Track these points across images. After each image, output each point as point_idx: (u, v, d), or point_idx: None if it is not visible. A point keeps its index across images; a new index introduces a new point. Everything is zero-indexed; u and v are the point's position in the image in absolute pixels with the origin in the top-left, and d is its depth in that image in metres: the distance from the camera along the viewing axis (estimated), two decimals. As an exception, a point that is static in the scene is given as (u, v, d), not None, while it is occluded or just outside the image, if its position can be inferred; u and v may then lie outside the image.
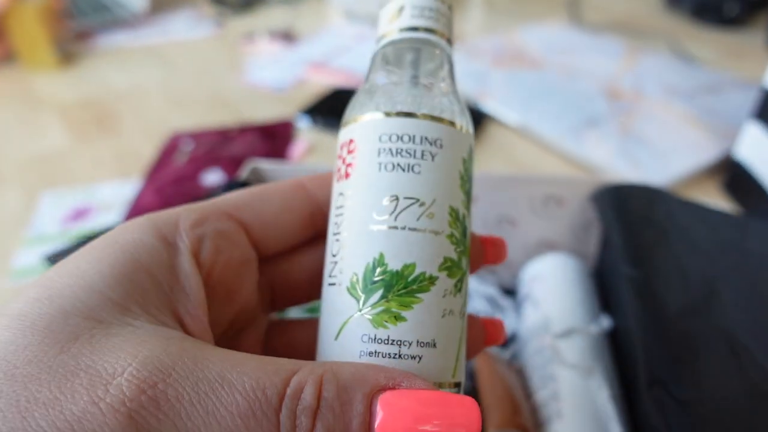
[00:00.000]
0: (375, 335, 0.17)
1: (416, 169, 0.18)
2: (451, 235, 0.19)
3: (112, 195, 0.58)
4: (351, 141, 0.19)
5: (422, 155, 0.19)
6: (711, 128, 0.60)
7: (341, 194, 0.19)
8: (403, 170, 0.18)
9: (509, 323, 0.39)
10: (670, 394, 0.22)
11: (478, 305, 0.40)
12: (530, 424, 0.29)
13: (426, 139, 0.19)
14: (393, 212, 0.18)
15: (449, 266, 0.18)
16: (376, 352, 0.17)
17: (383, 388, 0.16)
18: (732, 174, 0.53)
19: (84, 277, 0.16)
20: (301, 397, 0.15)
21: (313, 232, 0.22)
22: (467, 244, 0.20)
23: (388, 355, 0.17)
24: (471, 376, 0.32)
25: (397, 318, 0.17)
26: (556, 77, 0.73)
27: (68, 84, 0.84)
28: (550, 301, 0.35)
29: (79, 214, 0.56)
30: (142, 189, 0.58)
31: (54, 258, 0.50)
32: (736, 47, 0.83)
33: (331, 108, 0.70)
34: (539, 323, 0.34)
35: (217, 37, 1.00)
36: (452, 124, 0.20)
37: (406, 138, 0.19)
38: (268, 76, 0.82)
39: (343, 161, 0.20)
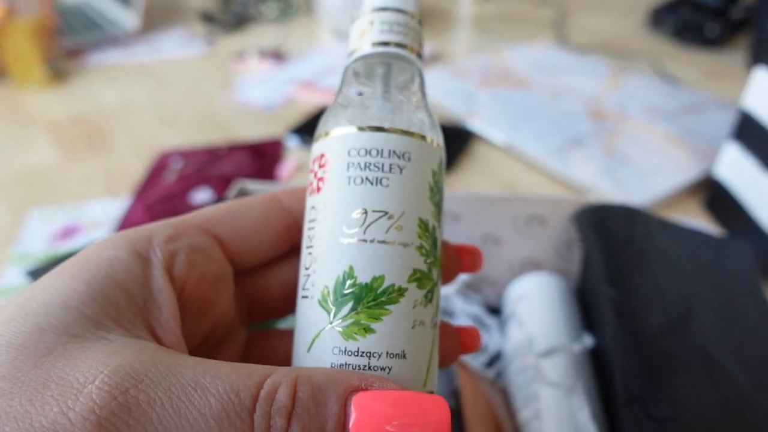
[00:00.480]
0: (345, 347, 0.18)
1: (384, 182, 0.19)
2: (420, 247, 0.19)
3: (101, 213, 0.58)
4: (322, 155, 0.20)
5: (390, 168, 0.19)
6: (692, 148, 0.61)
7: (313, 208, 0.20)
8: (372, 184, 0.19)
9: (494, 342, 0.40)
10: (647, 413, 0.23)
11: (463, 323, 0.41)
12: (513, 442, 0.29)
13: (394, 152, 0.19)
14: (362, 225, 0.18)
15: (419, 277, 0.19)
16: (346, 364, 0.18)
17: (356, 389, 0.16)
18: (712, 193, 0.54)
19: (59, 294, 0.17)
20: (276, 397, 0.15)
21: (288, 246, 0.23)
22: (438, 255, 0.20)
23: (357, 367, 0.17)
24: (455, 394, 0.32)
25: (366, 330, 0.18)
26: (542, 97, 0.74)
27: (59, 101, 0.84)
28: (534, 319, 0.35)
29: (68, 232, 0.56)
30: (130, 207, 0.58)
31: (35, 273, 0.50)
32: (717, 68, 0.85)
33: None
34: (523, 342, 0.34)
35: (207, 55, 1.01)
36: (422, 137, 0.20)
37: (374, 152, 0.19)
38: (258, 94, 0.83)
39: (315, 175, 0.20)
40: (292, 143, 0.69)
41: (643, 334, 0.27)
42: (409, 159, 0.19)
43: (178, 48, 1.04)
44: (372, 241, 0.18)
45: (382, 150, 0.19)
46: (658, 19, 0.95)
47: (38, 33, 0.85)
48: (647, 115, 0.68)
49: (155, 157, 0.67)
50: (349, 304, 0.18)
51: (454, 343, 0.22)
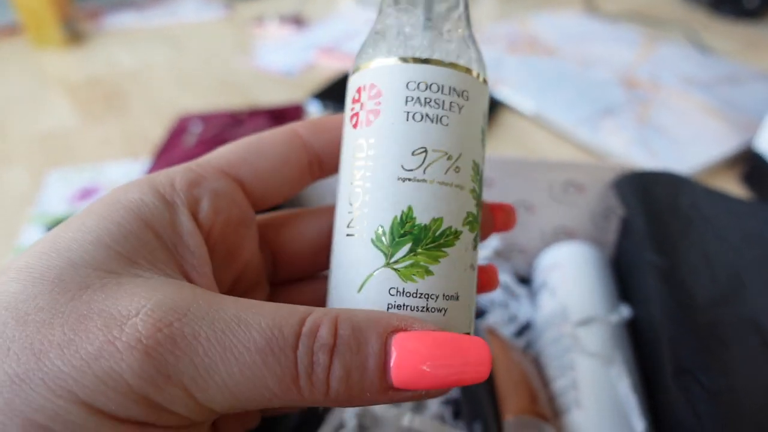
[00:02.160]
0: (403, 288, 0.17)
1: (444, 120, 0.18)
2: (473, 190, 0.18)
3: (119, 175, 0.58)
4: (372, 86, 0.18)
5: (450, 107, 0.18)
6: (730, 119, 0.59)
7: (362, 142, 0.18)
8: (432, 121, 0.18)
9: (524, 311, 0.38)
10: (699, 383, 0.22)
11: (492, 293, 0.40)
12: (548, 412, 0.28)
13: (455, 90, 0.18)
14: (422, 165, 0.18)
15: (471, 221, 0.18)
16: (404, 305, 0.17)
17: (396, 330, 0.16)
18: (751, 166, 0.52)
19: (90, 232, 0.16)
20: (318, 335, 0.15)
21: (309, 183, 0.22)
22: (482, 200, 0.20)
23: (416, 308, 0.17)
24: (486, 363, 0.31)
25: (426, 272, 0.17)
26: (572, 65, 0.72)
27: (76, 63, 0.83)
28: (569, 289, 0.34)
29: (86, 194, 0.55)
30: (150, 169, 0.58)
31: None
32: (755, 39, 0.82)
33: (341, 92, 0.69)
34: (557, 312, 0.33)
35: (226, 19, 0.99)
36: (477, 75, 0.19)
37: (435, 87, 0.18)
38: (278, 59, 0.81)
39: (362, 107, 0.19)
40: (314, 108, 0.67)
41: (692, 304, 0.25)
42: (467, 98, 0.18)
43: (196, 11, 1.02)
44: (432, 181, 0.17)
45: (443, 86, 0.18)
46: (693, -13, 0.91)
47: (55, -7, 0.83)
48: (682, 85, 0.66)
49: (174, 120, 0.66)
50: (408, 245, 0.17)
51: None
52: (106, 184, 0.56)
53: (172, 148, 0.61)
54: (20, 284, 0.15)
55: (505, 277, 0.40)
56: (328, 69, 0.78)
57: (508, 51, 0.76)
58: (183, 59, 0.84)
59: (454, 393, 0.33)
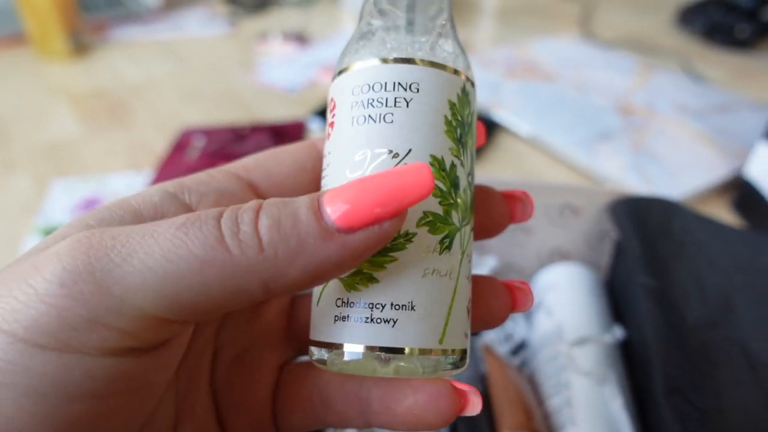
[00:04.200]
0: (347, 299, 0.17)
1: (388, 118, 0.17)
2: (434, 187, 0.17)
3: (122, 186, 0.58)
4: (331, 100, 0.19)
5: (395, 102, 0.17)
6: (721, 147, 0.60)
7: (326, 155, 0.19)
8: (375, 121, 0.17)
9: (519, 331, 0.39)
10: (689, 403, 0.23)
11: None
12: (543, 429, 0.29)
13: (399, 84, 0.17)
14: (365, 167, 0.17)
15: (430, 221, 0.17)
16: (348, 316, 0.16)
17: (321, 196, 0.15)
18: (742, 193, 0.53)
19: (112, 222, 0.17)
20: (242, 207, 0.15)
21: None
22: (464, 198, 0.18)
23: (360, 320, 0.16)
24: (482, 380, 0.32)
25: (370, 279, 0.16)
26: (569, 90, 0.74)
27: (81, 74, 0.84)
28: (564, 309, 0.35)
29: (90, 204, 0.56)
30: (152, 181, 0.58)
31: None
32: (747, 69, 0.84)
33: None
34: (553, 331, 0.34)
35: (229, 35, 1.01)
36: (431, 64, 0.18)
37: (377, 86, 0.18)
38: (280, 76, 0.82)
39: (327, 121, 0.19)
40: (315, 125, 0.69)
41: (683, 325, 0.26)
42: (418, 90, 0.17)
43: (200, 27, 1.04)
44: None
45: (385, 83, 0.17)
46: (686, 18, 0.94)
47: (61, 4, 0.85)
48: (676, 112, 0.67)
49: (178, 134, 0.67)
50: None
51: (502, 300, 0.20)
52: (109, 195, 0.57)
53: (175, 161, 0.62)
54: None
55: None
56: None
57: (506, 75, 0.78)
58: (187, 73, 0.85)
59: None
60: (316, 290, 0.18)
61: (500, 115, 0.68)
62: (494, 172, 0.61)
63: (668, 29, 1.00)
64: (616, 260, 0.38)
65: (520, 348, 0.39)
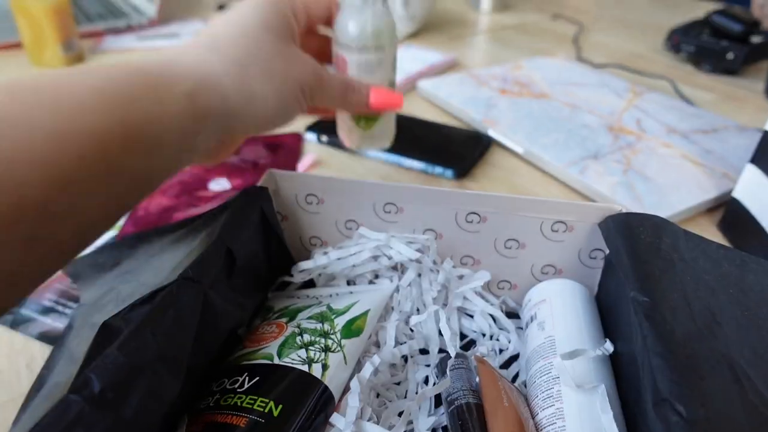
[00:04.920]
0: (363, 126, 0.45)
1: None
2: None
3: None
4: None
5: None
6: (710, 168, 0.62)
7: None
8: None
9: (512, 344, 0.40)
10: (677, 413, 0.23)
11: (481, 323, 0.41)
12: (535, 440, 0.30)
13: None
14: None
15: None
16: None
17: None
18: (729, 213, 0.55)
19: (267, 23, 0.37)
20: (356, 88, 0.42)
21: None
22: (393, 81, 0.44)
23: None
24: (476, 391, 0.33)
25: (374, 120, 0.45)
26: (562, 109, 0.75)
27: (74, 82, 0.85)
28: (556, 323, 0.36)
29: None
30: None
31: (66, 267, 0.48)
32: (735, 92, 0.87)
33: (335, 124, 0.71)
34: (545, 344, 0.35)
35: (225, 47, 1.02)
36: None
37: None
38: (276, 88, 0.83)
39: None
40: (311, 137, 0.70)
41: (672, 338, 0.27)
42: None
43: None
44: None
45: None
46: (676, 41, 0.97)
47: (56, 13, 0.86)
48: (666, 134, 0.69)
49: (172, 144, 0.67)
50: None
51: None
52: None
53: (170, 171, 0.63)
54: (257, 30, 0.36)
55: (494, 310, 0.42)
56: (325, 101, 0.81)
57: (500, 92, 0.80)
58: (181, 84, 0.86)
59: (444, 421, 0.34)
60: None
61: (494, 132, 0.70)
62: (487, 188, 0.62)
63: (658, 51, 1.03)
64: (606, 276, 0.39)
65: (512, 361, 0.40)
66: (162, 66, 0.31)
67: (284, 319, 0.38)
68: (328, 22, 0.42)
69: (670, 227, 0.35)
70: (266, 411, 0.29)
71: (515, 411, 0.31)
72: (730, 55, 0.89)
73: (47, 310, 0.44)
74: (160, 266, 0.37)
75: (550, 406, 0.31)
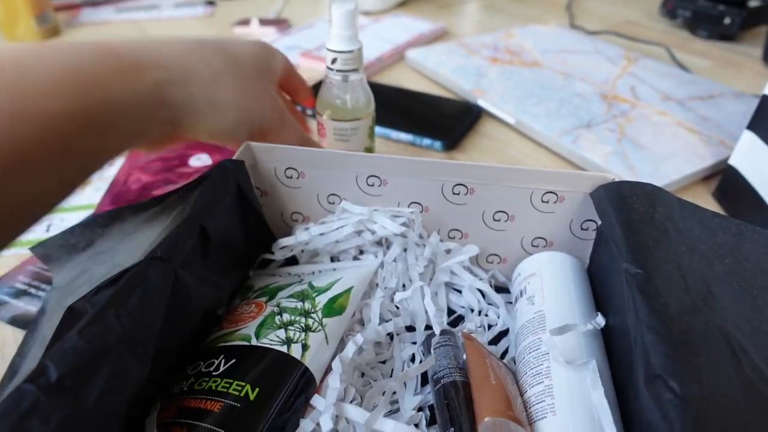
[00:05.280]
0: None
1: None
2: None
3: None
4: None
5: None
6: (705, 136, 0.61)
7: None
8: None
9: (501, 320, 0.39)
10: (670, 389, 0.22)
11: (470, 298, 0.40)
12: (523, 418, 0.28)
13: None
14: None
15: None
16: None
17: None
18: (725, 181, 0.54)
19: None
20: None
21: None
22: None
23: None
24: (463, 369, 0.32)
25: None
26: (554, 77, 0.73)
27: (49, 57, 0.82)
28: (546, 298, 0.35)
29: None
30: (123, 166, 0.57)
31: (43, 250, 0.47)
32: (732, 58, 0.85)
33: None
34: (534, 319, 0.34)
35: (206, 17, 0.99)
36: None
37: None
38: (259, 60, 0.81)
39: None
40: (294, 111, 0.68)
41: (666, 312, 0.26)
42: None
43: (176, 9, 1.01)
44: None
45: None
46: (671, 6, 0.94)
47: (30, -16, 0.82)
48: (661, 101, 0.68)
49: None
50: None
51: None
52: (78, 182, 0.55)
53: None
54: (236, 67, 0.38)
55: (483, 285, 0.40)
56: (310, 71, 0.78)
57: (490, 61, 0.78)
58: (161, 57, 0.83)
59: (431, 399, 0.33)
60: None
61: (484, 101, 0.68)
62: (477, 159, 0.60)
63: (653, 18, 1.00)
64: (598, 247, 0.38)
65: (501, 336, 0.38)
66: (138, 50, 0.32)
67: (264, 299, 0.37)
68: (293, 94, 0.47)
69: (664, 195, 0.34)
70: (242, 395, 0.28)
71: (503, 388, 0.29)
72: (727, 20, 0.87)
73: (20, 293, 0.43)
74: (135, 246, 0.35)
75: (539, 383, 0.30)
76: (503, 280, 0.42)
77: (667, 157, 0.57)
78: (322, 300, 0.36)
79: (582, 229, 0.39)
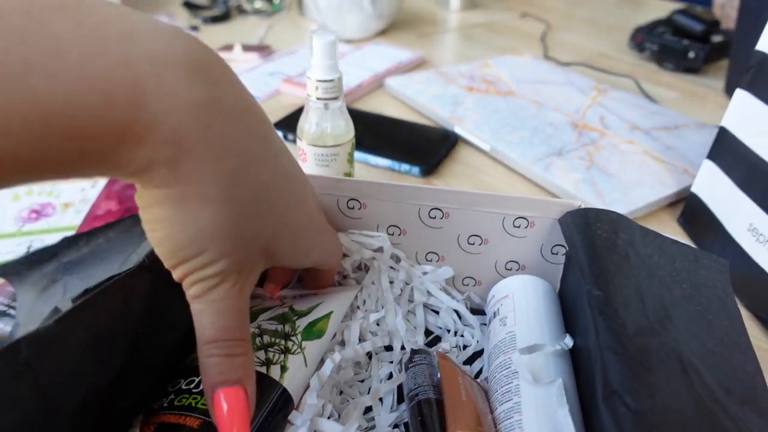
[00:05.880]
0: None
1: None
2: None
3: (72, 193, 0.58)
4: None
5: None
6: (670, 164, 0.64)
7: None
8: None
9: (475, 340, 0.41)
10: (625, 405, 0.24)
11: (446, 319, 0.42)
12: (492, 435, 0.30)
13: None
14: None
15: None
16: None
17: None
18: (688, 208, 0.56)
19: None
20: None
21: None
22: None
23: None
24: (437, 387, 0.33)
25: None
26: (527, 106, 0.76)
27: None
28: (518, 319, 0.36)
29: (39, 213, 0.55)
30: (104, 188, 0.58)
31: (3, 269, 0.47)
32: (696, 90, 0.89)
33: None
34: (506, 340, 0.35)
35: (191, 43, 1.00)
36: None
37: None
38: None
39: None
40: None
41: (624, 332, 0.28)
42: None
43: (160, 34, 1.03)
44: None
45: None
46: (639, 40, 0.99)
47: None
48: (629, 131, 0.71)
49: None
50: None
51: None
52: (59, 204, 0.56)
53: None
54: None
55: (459, 306, 0.42)
56: (293, 97, 0.80)
57: (466, 89, 0.81)
58: (145, 81, 0.84)
59: (405, 417, 0.34)
60: None
61: (460, 128, 0.70)
62: (453, 185, 0.62)
63: (623, 51, 1.05)
64: (567, 271, 0.40)
65: (475, 357, 0.40)
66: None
67: None
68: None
69: (626, 223, 0.36)
70: None
71: (474, 406, 0.31)
72: (691, 54, 0.91)
73: None
74: (111, 257, 0.36)
75: (509, 401, 0.31)
76: (479, 302, 0.44)
77: (634, 184, 0.60)
78: (302, 324, 0.37)
79: (552, 253, 0.41)
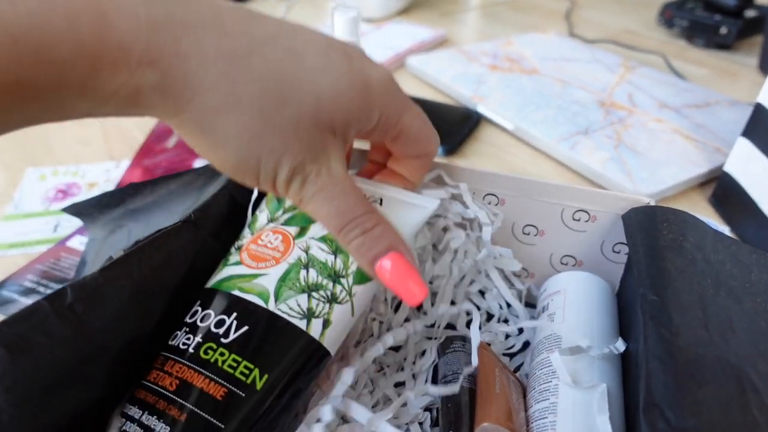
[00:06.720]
0: None
1: None
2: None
3: (97, 175, 0.57)
4: None
5: None
6: (701, 143, 0.61)
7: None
8: None
9: (523, 333, 0.38)
10: (665, 420, 0.21)
11: (494, 307, 0.40)
12: (522, 431, 0.28)
13: None
14: None
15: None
16: None
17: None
18: (720, 188, 0.54)
19: None
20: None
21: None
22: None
23: None
24: (472, 377, 0.32)
25: None
26: (552, 84, 0.74)
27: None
28: (567, 317, 0.33)
29: (64, 193, 0.55)
30: (128, 170, 0.58)
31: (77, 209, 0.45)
32: (728, 67, 0.85)
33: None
34: (550, 337, 0.32)
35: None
36: None
37: None
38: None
39: None
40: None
41: (675, 341, 0.24)
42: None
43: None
44: None
45: None
46: (668, 16, 0.95)
47: None
48: (657, 109, 0.68)
49: (157, 123, 0.66)
50: None
51: None
52: (84, 185, 0.56)
53: (153, 150, 0.61)
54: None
55: (510, 295, 0.39)
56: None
57: (490, 68, 0.79)
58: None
59: (435, 401, 0.33)
60: None
61: (484, 108, 0.69)
62: (476, 164, 0.61)
63: (652, 27, 1.01)
64: (628, 272, 0.36)
65: (520, 351, 0.37)
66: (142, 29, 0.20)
67: (293, 229, 0.30)
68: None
69: (698, 225, 0.32)
70: (248, 382, 0.25)
71: (506, 400, 0.29)
72: (723, 30, 0.87)
73: (28, 291, 0.43)
74: (170, 210, 0.36)
75: (545, 400, 0.29)
76: (532, 295, 0.41)
77: (663, 163, 0.57)
78: None
79: (614, 251, 0.37)
